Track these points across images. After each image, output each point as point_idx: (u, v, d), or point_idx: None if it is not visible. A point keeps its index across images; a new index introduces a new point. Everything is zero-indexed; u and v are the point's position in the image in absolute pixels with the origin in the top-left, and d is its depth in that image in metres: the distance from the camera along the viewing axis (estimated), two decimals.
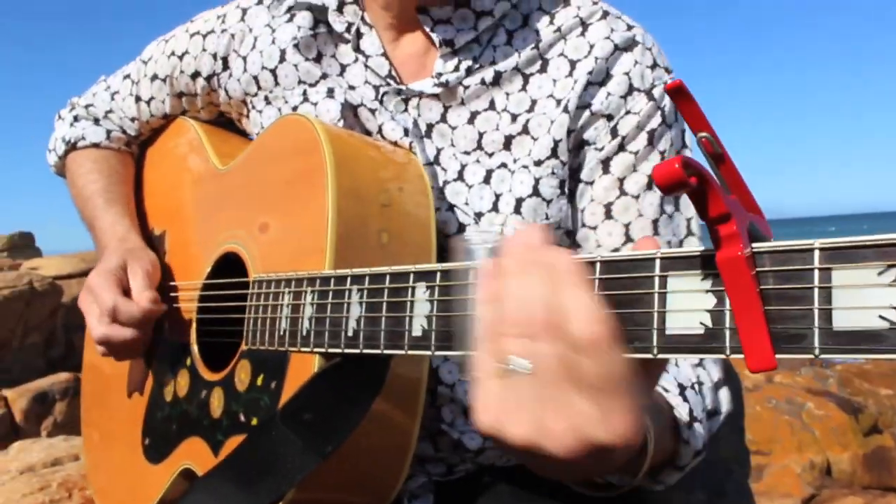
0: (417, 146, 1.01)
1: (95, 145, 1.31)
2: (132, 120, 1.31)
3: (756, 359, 0.49)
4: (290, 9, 1.10)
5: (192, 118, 1.27)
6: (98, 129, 1.32)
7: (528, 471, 1.03)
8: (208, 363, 1.06)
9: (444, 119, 1.03)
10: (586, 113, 0.99)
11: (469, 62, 1.02)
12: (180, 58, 1.20)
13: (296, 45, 1.07)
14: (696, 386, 0.93)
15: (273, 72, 1.09)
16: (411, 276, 0.73)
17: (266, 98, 1.11)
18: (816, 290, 0.48)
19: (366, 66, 1.06)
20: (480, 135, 1.01)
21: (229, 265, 1.05)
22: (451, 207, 1.00)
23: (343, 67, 1.08)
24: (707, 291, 0.53)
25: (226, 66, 1.15)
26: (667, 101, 1.00)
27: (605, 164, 1.00)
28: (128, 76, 1.30)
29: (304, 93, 1.07)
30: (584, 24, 1.02)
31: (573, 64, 1.00)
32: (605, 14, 1.02)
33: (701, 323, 0.53)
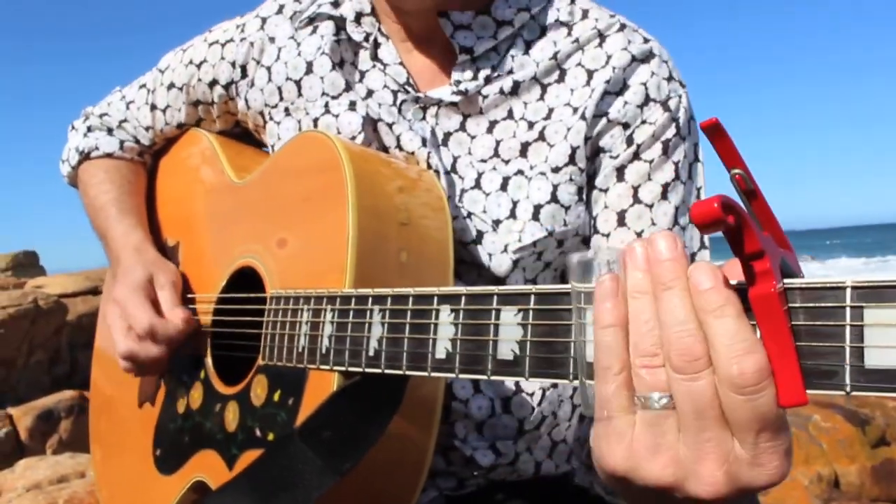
0: (435, 156, 1.02)
1: (108, 155, 1.32)
2: (146, 129, 1.31)
3: (788, 394, 0.50)
4: (311, 20, 1.11)
5: (206, 129, 1.27)
6: (111, 139, 1.32)
7: (539, 486, 1.05)
8: (222, 377, 1.06)
9: (462, 128, 1.04)
10: (603, 121, 1.01)
11: (487, 71, 1.03)
12: (198, 66, 1.20)
13: (322, 54, 1.08)
14: None
15: (298, 83, 1.10)
16: (435, 298, 0.73)
17: (286, 109, 1.11)
18: (848, 328, 0.48)
19: (384, 73, 1.07)
20: (497, 143, 1.03)
21: (245, 279, 1.05)
22: (469, 215, 1.01)
23: (362, 74, 1.08)
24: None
25: (244, 74, 1.16)
26: (681, 114, 1.02)
27: (620, 171, 1.01)
28: (143, 85, 1.31)
29: (326, 104, 1.08)
30: (602, 36, 1.03)
31: (590, 74, 1.02)
32: (623, 26, 1.04)
33: None
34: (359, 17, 1.09)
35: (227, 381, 1.05)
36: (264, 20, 1.15)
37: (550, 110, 1.02)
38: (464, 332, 0.70)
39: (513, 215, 1.00)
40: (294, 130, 1.09)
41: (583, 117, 1.00)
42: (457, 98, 1.03)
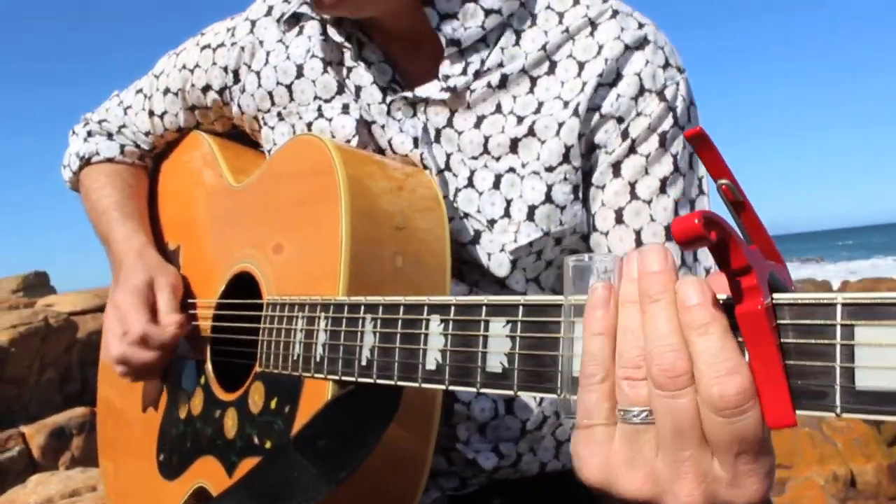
0: (428, 154, 1.00)
1: (109, 160, 1.31)
2: (146, 134, 1.31)
3: (775, 415, 0.48)
4: (296, 18, 1.09)
5: (207, 131, 1.26)
6: (112, 143, 1.32)
7: (543, 484, 1.03)
8: (222, 382, 1.06)
9: (450, 124, 1.01)
10: (596, 116, 0.97)
11: (476, 65, 1.00)
12: (191, 71, 1.19)
13: (312, 56, 1.06)
14: None
15: (289, 87, 1.08)
16: (425, 308, 0.72)
17: (279, 114, 1.10)
18: (839, 347, 0.46)
19: (370, 72, 1.05)
20: (486, 139, 1.00)
21: (243, 284, 1.04)
22: (465, 216, 0.99)
23: (349, 70, 1.06)
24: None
25: (237, 80, 1.15)
26: (679, 103, 0.98)
27: (616, 167, 0.98)
28: (140, 90, 1.30)
29: (320, 108, 1.06)
30: (594, 24, 0.99)
31: (581, 65, 0.98)
32: (615, 13, 0.99)
33: None
34: (338, 19, 1.06)
35: (226, 387, 1.04)
36: (254, 23, 1.14)
37: (540, 104, 0.99)
38: (453, 343, 0.69)
39: (507, 214, 0.98)
40: (289, 135, 1.08)
41: (576, 113, 0.97)
42: (445, 95, 1.00)
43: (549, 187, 0.97)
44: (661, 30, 1.01)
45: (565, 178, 0.97)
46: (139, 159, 1.34)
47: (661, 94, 0.97)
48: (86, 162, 1.32)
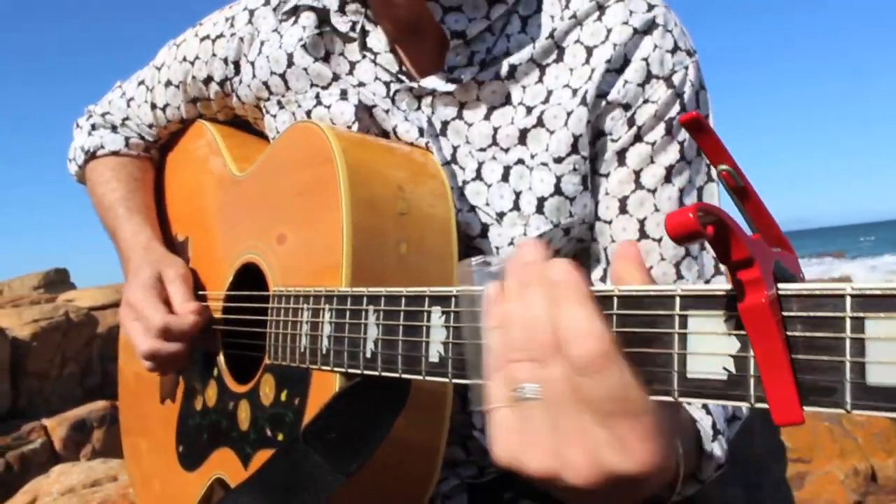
0: (433, 146, 0.97)
1: (114, 153, 1.31)
2: (149, 126, 1.30)
3: (782, 412, 0.46)
4: (294, 10, 1.06)
5: (210, 120, 1.25)
6: (116, 136, 1.31)
7: None
8: (235, 374, 1.05)
9: (459, 116, 0.99)
10: (603, 103, 0.94)
11: (482, 55, 0.97)
12: (192, 63, 1.18)
13: (303, 47, 1.04)
14: None
15: (282, 76, 1.06)
16: (426, 299, 0.70)
17: (279, 102, 1.08)
18: (848, 341, 0.44)
19: (374, 63, 1.02)
20: (495, 130, 0.97)
21: (251, 274, 1.03)
22: (473, 208, 0.97)
23: (352, 65, 1.04)
24: (730, 335, 0.49)
25: (237, 71, 1.13)
26: (687, 89, 0.94)
27: (621, 155, 0.95)
28: (142, 82, 1.29)
29: (317, 96, 1.04)
30: (601, 7, 0.95)
31: (590, 51, 0.95)
32: None
33: (724, 368, 0.49)
34: (343, 4, 1.04)
35: (238, 379, 1.04)
36: (252, 13, 1.11)
37: (549, 93, 0.96)
38: (455, 335, 0.67)
39: (516, 207, 0.95)
40: (290, 123, 1.06)
41: (584, 102, 0.93)
42: (451, 87, 0.97)
43: (559, 179, 0.94)
44: (672, 10, 0.97)
45: (574, 169, 0.95)
46: (144, 151, 1.33)
47: (668, 81, 0.94)
48: (91, 156, 1.31)
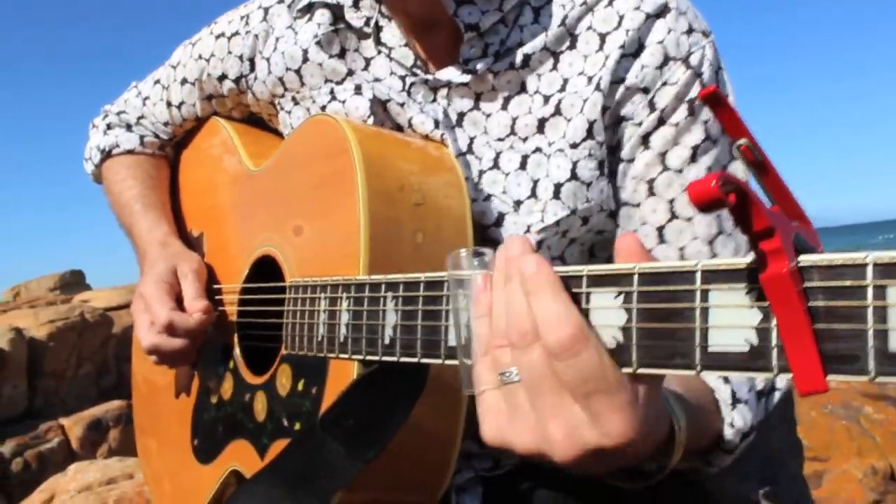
0: (449, 137, 0.98)
1: (129, 152, 1.32)
2: (165, 124, 1.31)
3: (805, 381, 0.46)
4: (309, 7, 1.08)
5: (225, 118, 1.26)
6: (131, 135, 1.33)
7: None
8: (251, 366, 1.06)
9: (476, 107, 1.00)
10: (621, 88, 0.95)
11: (496, 46, 0.99)
12: (207, 60, 1.19)
13: (318, 43, 1.05)
14: None
15: (297, 72, 1.07)
16: (446, 283, 0.71)
17: (294, 98, 1.09)
18: (870, 309, 0.44)
19: (389, 58, 1.04)
20: (513, 120, 0.98)
21: (267, 267, 1.04)
22: (489, 197, 0.98)
23: (367, 61, 1.05)
24: (752, 307, 0.50)
25: (252, 68, 1.14)
26: (706, 68, 0.95)
27: (645, 139, 0.96)
28: (158, 81, 1.30)
29: (332, 91, 1.05)
30: None
31: (603, 37, 0.96)
32: None
33: (746, 340, 0.50)
34: (357, 0, 1.05)
35: (255, 371, 1.04)
36: (266, 11, 1.13)
37: (565, 81, 0.97)
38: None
39: (533, 195, 0.96)
40: (304, 118, 1.07)
41: (598, 87, 0.94)
42: (466, 78, 0.98)
43: (574, 164, 0.95)
44: None
45: (590, 154, 0.95)
46: (159, 149, 1.34)
47: (686, 62, 0.94)
48: (107, 155, 1.32)
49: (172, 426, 1.23)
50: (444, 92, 1.00)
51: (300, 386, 0.94)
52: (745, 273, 0.50)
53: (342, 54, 1.05)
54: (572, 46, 0.98)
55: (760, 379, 0.91)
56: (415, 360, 0.74)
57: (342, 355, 0.84)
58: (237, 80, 1.17)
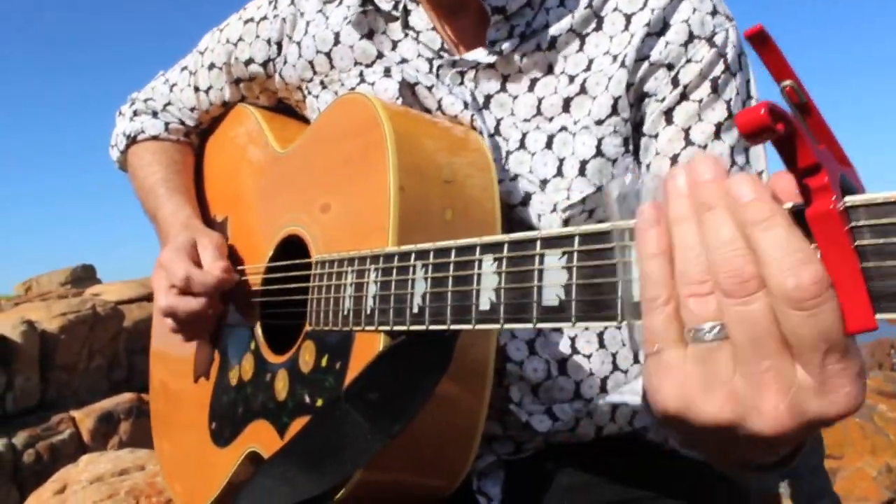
0: (478, 119, 0.99)
1: (154, 138, 1.33)
2: (192, 110, 1.32)
3: (854, 319, 0.45)
4: None
5: (251, 104, 1.27)
6: (157, 121, 1.34)
7: (600, 449, 1.01)
8: (273, 346, 1.06)
9: (503, 89, 1.01)
10: (645, 65, 0.97)
11: (522, 28, 1.00)
12: (235, 45, 1.21)
13: (349, 24, 1.07)
14: None
15: (328, 55, 1.09)
16: (477, 248, 0.71)
17: (322, 82, 1.11)
18: None
19: (417, 41, 1.05)
20: (539, 100, 1.00)
21: (292, 248, 1.04)
22: (516, 177, 0.99)
23: (395, 44, 1.07)
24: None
25: (280, 51, 1.15)
26: (729, 49, 0.97)
27: (668, 114, 0.97)
28: (185, 68, 1.32)
29: (361, 74, 1.06)
30: None
31: (628, 18, 0.98)
32: None
33: None
34: None
35: (276, 351, 1.04)
36: None
37: (590, 61, 0.99)
38: (507, 280, 0.67)
39: (560, 173, 0.97)
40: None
41: (623, 64, 0.96)
42: (493, 59, 1.00)
43: (600, 141, 0.96)
44: None
45: (615, 131, 0.96)
46: (184, 136, 1.36)
47: (710, 41, 0.96)
48: (132, 140, 1.34)
49: (190, 413, 1.23)
50: (471, 74, 1.02)
51: (324, 362, 0.93)
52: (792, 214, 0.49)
53: (370, 35, 1.07)
54: (598, 28, 0.99)
55: None
56: (444, 326, 0.74)
57: (368, 327, 0.83)
58: (265, 64, 1.18)
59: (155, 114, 1.35)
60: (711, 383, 0.47)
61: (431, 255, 0.76)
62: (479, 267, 0.70)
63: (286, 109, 1.25)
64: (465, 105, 1.00)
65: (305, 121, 1.21)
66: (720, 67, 0.96)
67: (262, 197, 1.17)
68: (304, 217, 1.02)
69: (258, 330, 1.09)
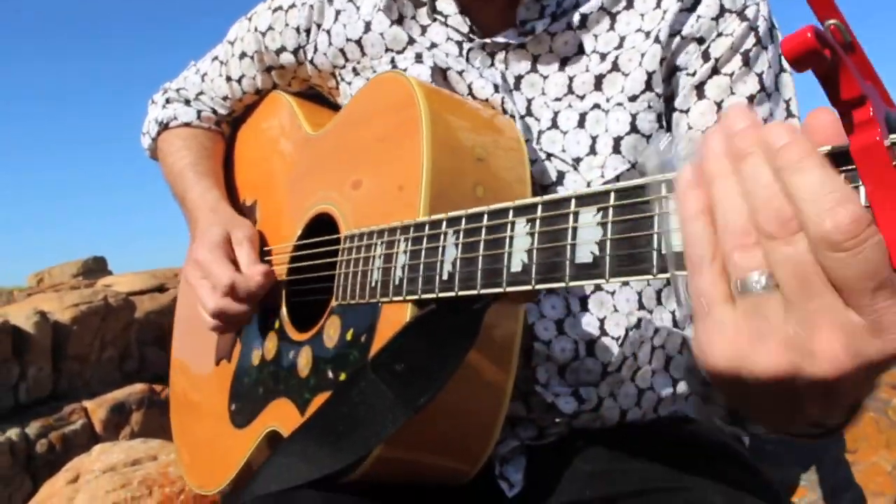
0: (509, 101, 1.00)
1: (186, 125, 1.35)
2: (224, 99, 1.34)
3: None
4: None
5: (284, 90, 1.29)
6: (189, 109, 1.36)
7: (623, 437, 0.99)
8: (297, 325, 1.06)
9: (534, 69, 1.01)
10: (677, 39, 0.97)
11: (553, 7, 1.01)
12: (264, 34, 1.22)
13: (379, 11, 1.08)
14: None
15: (359, 42, 1.10)
16: (511, 211, 0.71)
17: (354, 69, 1.12)
18: None
19: (445, 25, 1.06)
20: (570, 79, 1.00)
21: (322, 226, 1.05)
22: (549, 157, 0.99)
23: (424, 28, 1.08)
24: None
25: (308, 38, 1.17)
26: (761, 23, 0.97)
27: (700, 88, 0.97)
28: (216, 58, 1.34)
29: (392, 60, 1.08)
30: None
31: None
32: None
33: None
34: None
35: (301, 329, 1.04)
36: None
37: (622, 39, 0.99)
38: (540, 240, 0.67)
39: (593, 151, 0.97)
40: None
41: (657, 40, 0.97)
42: (524, 39, 1.00)
43: (634, 117, 0.96)
44: None
45: (649, 107, 0.97)
46: (215, 125, 1.37)
47: (741, 15, 0.97)
48: (164, 127, 1.36)
49: (210, 396, 1.22)
50: (501, 56, 1.02)
51: (349, 336, 0.93)
52: (833, 155, 0.49)
53: (400, 21, 1.08)
54: (629, 6, 1.00)
55: None
56: (474, 291, 0.73)
57: (396, 298, 0.83)
58: (295, 52, 1.19)
59: (187, 102, 1.37)
60: (764, 334, 0.46)
61: (463, 221, 0.76)
62: (512, 230, 0.70)
63: (320, 96, 1.26)
64: (496, 88, 1.00)
65: (338, 108, 1.22)
66: (751, 41, 0.96)
67: (293, 179, 1.18)
68: (334, 195, 1.03)
69: (283, 310, 1.09)
